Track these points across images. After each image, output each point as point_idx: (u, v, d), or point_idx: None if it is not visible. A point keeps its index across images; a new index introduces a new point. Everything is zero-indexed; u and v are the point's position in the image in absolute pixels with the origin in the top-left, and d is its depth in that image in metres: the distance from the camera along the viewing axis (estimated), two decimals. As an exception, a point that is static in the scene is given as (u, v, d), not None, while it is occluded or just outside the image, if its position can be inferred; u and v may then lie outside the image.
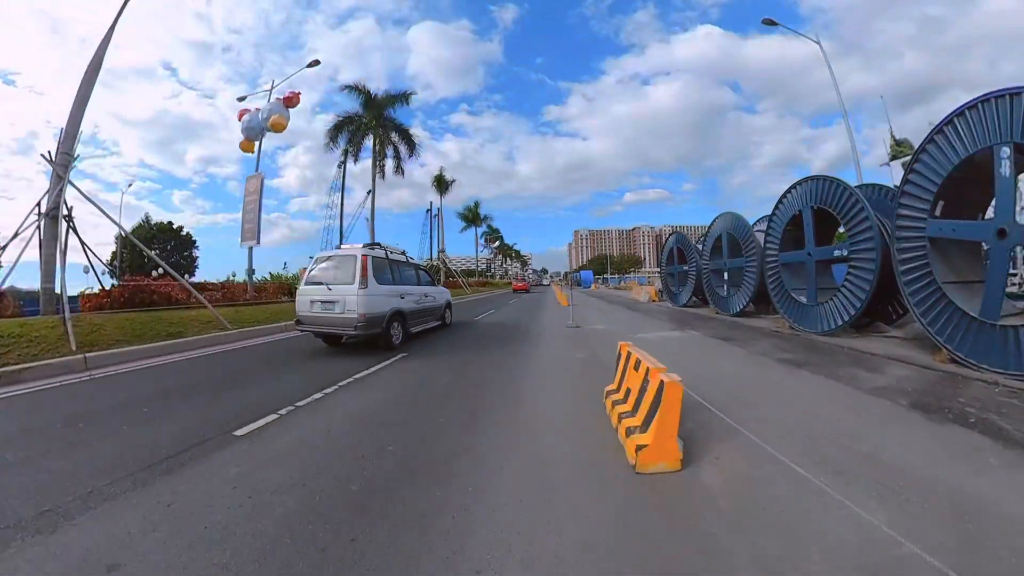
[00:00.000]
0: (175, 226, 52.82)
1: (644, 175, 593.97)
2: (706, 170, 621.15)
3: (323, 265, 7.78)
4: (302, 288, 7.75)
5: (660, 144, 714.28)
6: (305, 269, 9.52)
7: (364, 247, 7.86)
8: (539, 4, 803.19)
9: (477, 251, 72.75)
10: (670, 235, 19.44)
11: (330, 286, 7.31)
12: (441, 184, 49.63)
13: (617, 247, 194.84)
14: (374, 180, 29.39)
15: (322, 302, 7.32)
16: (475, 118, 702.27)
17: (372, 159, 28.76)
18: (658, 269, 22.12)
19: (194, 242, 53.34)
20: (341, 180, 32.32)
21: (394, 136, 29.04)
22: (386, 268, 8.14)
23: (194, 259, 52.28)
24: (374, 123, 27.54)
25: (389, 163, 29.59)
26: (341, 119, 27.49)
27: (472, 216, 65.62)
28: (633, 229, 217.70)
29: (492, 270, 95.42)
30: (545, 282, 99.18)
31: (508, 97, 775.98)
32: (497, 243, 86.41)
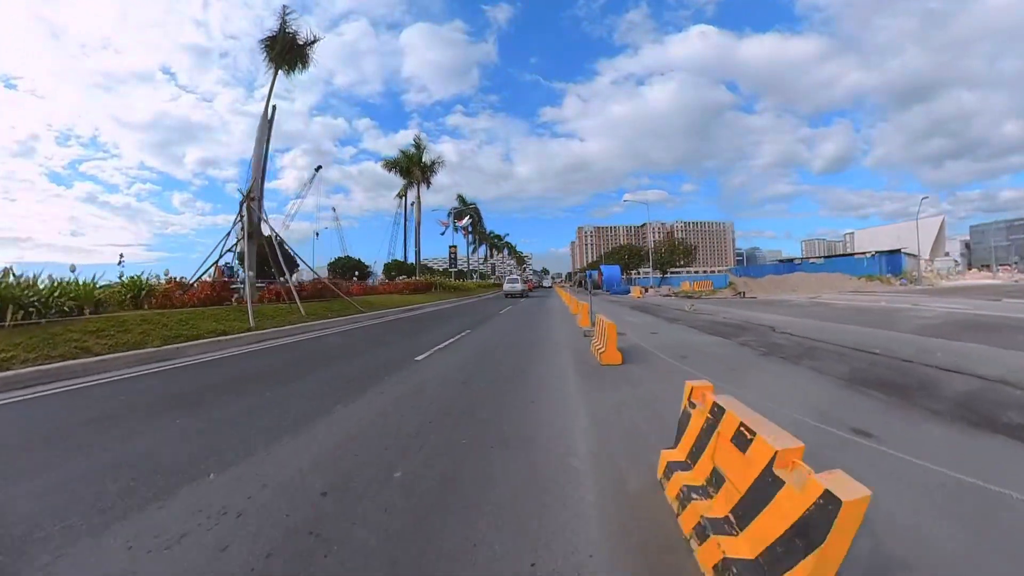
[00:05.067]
0: None
1: (643, 176, 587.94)
2: (705, 171, 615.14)
3: (510, 278, 40.33)
4: (506, 284, 37.88)
5: (658, 145, 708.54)
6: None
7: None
8: (533, 2, 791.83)
9: (417, 228, 39.19)
10: None
11: (514, 283, 37.11)
12: (275, 46, 16.13)
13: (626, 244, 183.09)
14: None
15: (511, 285, 36.69)
16: (471, 119, 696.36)
17: None
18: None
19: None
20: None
21: None
22: (522, 278, 46.27)
23: None
24: None
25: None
26: None
27: (407, 163, 32.09)
28: (643, 225, 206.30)
29: (471, 267, 65.50)
30: (546, 283, 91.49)
31: (504, 98, 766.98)
32: (468, 219, 57.71)
